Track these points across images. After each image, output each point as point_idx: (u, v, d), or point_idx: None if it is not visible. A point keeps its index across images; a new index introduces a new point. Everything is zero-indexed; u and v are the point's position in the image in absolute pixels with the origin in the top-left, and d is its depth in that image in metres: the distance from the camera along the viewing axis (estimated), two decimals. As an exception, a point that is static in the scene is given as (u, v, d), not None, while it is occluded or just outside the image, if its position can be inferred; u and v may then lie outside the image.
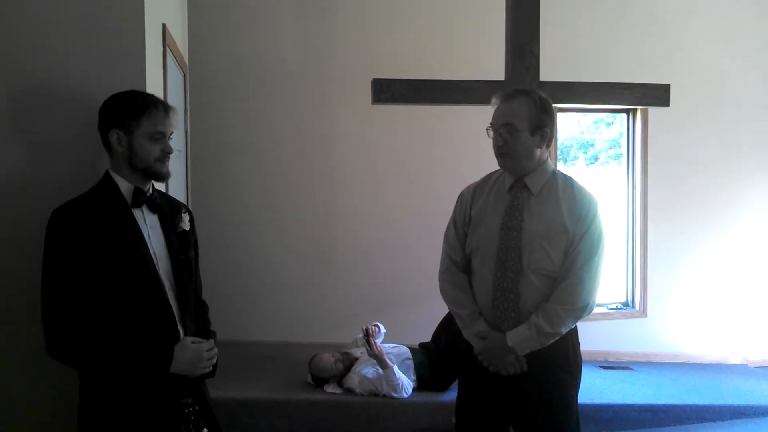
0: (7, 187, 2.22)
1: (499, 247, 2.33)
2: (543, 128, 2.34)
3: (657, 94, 3.51)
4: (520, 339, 2.27)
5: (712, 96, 4.85)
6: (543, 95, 2.40)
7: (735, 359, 4.86)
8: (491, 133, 2.39)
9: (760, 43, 4.91)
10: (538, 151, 2.36)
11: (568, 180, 2.40)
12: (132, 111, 1.96)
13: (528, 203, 2.35)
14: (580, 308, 2.27)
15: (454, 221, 2.52)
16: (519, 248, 2.30)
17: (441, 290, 2.51)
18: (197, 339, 2.00)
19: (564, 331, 2.29)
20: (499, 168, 2.48)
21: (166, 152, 2.01)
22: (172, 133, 2.05)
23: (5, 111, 2.23)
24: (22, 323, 2.15)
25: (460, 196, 2.55)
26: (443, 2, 4.53)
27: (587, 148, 6.01)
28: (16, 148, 2.23)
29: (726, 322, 4.90)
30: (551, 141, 2.42)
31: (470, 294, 2.42)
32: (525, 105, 2.33)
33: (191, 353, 1.95)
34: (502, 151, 2.36)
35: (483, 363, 2.34)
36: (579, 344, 2.43)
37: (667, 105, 3.54)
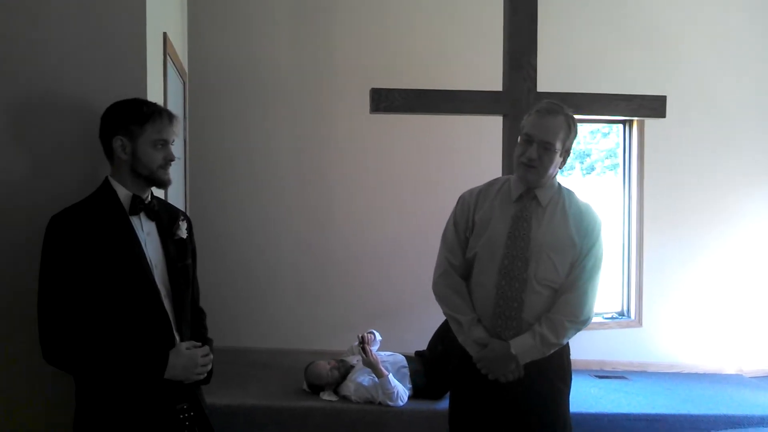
0: (7, 193, 2.23)
1: (504, 255, 2.34)
2: (569, 152, 2.39)
3: (653, 106, 3.53)
4: (525, 348, 2.29)
5: (708, 107, 4.87)
6: (575, 119, 2.39)
7: (730, 369, 4.87)
8: (521, 140, 2.36)
9: (756, 55, 4.93)
10: (557, 170, 2.39)
11: (572, 195, 2.44)
12: (137, 118, 1.98)
13: (536, 214, 2.37)
14: (583, 321, 2.33)
15: (454, 224, 2.49)
16: (526, 258, 2.32)
17: (436, 293, 2.48)
18: (192, 344, 2.01)
19: (565, 342, 2.34)
20: (500, 176, 2.49)
21: (169, 159, 2.03)
22: (173, 140, 2.07)
23: (6, 118, 2.24)
24: (19, 329, 2.15)
25: (461, 198, 2.52)
26: (442, 12, 4.55)
27: (584, 158, 6.04)
28: (17, 156, 2.24)
29: (721, 332, 4.91)
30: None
31: (468, 299, 2.41)
32: (564, 126, 2.33)
33: (186, 359, 1.96)
34: (532, 165, 2.33)
35: (482, 370, 2.34)
36: (570, 352, 2.46)
37: (663, 116, 3.57)
